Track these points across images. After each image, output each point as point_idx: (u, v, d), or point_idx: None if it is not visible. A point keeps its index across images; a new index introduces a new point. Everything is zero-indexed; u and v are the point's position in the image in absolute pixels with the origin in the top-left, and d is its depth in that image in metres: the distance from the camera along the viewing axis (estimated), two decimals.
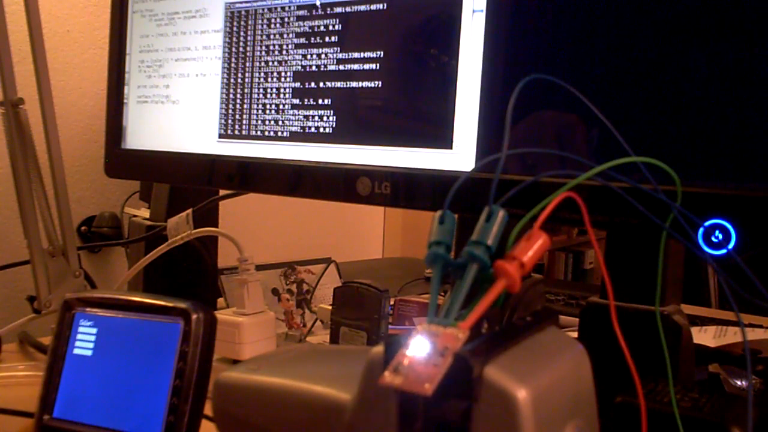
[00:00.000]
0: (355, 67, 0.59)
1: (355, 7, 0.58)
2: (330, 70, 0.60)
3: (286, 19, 0.63)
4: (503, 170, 0.31)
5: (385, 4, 0.57)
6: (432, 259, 0.31)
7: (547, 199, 0.30)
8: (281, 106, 0.63)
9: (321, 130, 0.61)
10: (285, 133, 0.63)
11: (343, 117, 0.60)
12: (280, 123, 0.63)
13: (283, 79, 0.63)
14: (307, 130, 0.62)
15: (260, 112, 0.64)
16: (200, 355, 0.47)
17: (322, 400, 0.34)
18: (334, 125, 0.60)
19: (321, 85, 0.61)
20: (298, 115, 0.62)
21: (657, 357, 0.39)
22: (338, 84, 0.60)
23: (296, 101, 0.62)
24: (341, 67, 0.59)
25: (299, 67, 0.62)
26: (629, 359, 0.32)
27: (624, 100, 0.46)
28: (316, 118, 0.61)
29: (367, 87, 0.58)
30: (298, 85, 0.62)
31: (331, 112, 0.60)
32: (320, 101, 0.61)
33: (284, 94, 0.63)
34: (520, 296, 0.33)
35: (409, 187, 0.56)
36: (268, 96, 0.64)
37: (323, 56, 0.60)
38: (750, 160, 0.42)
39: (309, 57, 0.61)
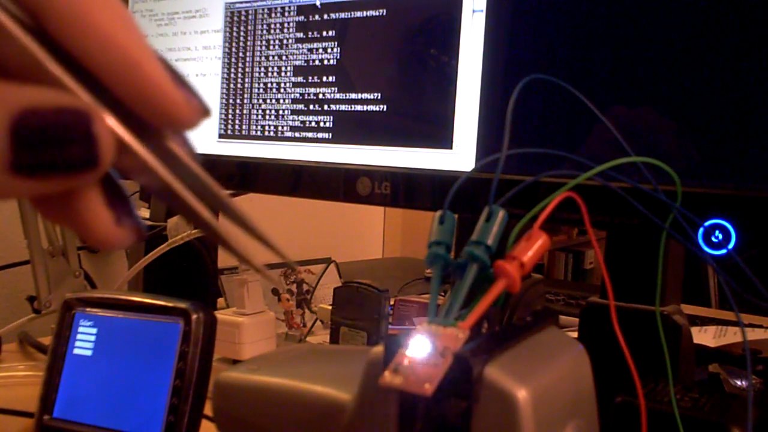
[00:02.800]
0: (356, 67, 0.59)
1: (355, 7, 0.58)
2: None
3: (286, 19, 0.63)
4: (503, 170, 0.31)
5: (385, 4, 0.57)
6: (432, 259, 0.31)
7: (547, 199, 0.30)
8: (281, 106, 0.63)
9: (321, 129, 0.61)
10: (285, 133, 0.63)
11: (343, 116, 0.60)
12: (280, 122, 0.63)
13: (283, 78, 0.63)
14: (307, 130, 0.62)
15: (260, 111, 0.64)
16: (200, 355, 0.47)
17: (322, 400, 0.34)
18: (333, 125, 0.60)
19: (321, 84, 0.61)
20: (298, 113, 0.62)
21: (657, 357, 0.39)
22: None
23: (297, 98, 0.62)
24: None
25: (299, 65, 0.62)
26: (629, 359, 0.32)
27: (624, 100, 0.46)
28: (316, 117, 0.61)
29: (368, 87, 0.58)
30: (298, 81, 0.62)
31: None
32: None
33: (284, 93, 0.63)
34: (520, 296, 0.33)
35: (409, 187, 0.56)
36: (268, 95, 0.64)
37: (324, 52, 0.60)
38: (750, 160, 0.42)
39: (309, 56, 0.61)
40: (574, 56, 0.48)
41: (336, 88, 0.60)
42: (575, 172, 0.32)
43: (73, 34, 0.15)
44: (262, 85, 0.64)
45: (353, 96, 0.59)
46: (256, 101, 0.65)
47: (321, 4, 0.60)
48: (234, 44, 0.66)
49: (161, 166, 0.16)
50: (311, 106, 0.61)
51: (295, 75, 0.62)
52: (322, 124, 0.61)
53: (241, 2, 0.65)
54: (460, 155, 0.54)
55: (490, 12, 0.52)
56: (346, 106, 0.59)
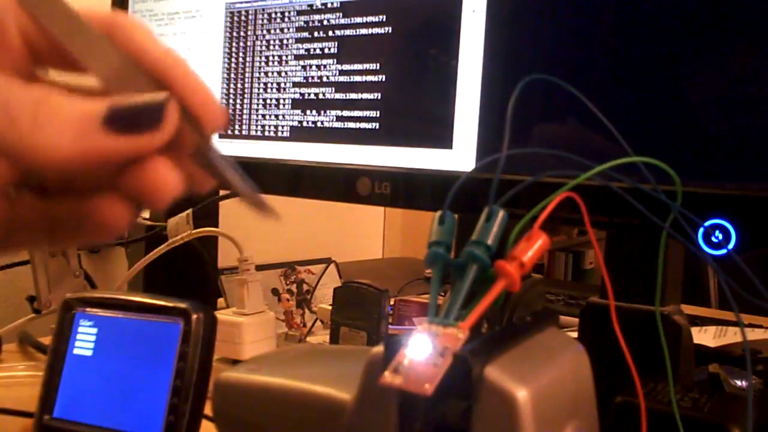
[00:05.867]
0: (355, 66, 0.59)
1: (355, 8, 0.58)
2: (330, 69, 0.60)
3: (286, 19, 0.63)
4: (503, 170, 0.31)
5: (386, 5, 0.57)
6: (432, 259, 0.31)
7: (547, 199, 0.30)
8: (281, 105, 0.63)
9: (321, 128, 0.61)
10: (285, 133, 0.63)
11: (343, 116, 0.60)
12: (280, 122, 0.63)
13: (283, 78, 0.63)
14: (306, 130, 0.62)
15: (260, 111, 0.64)
16: (200, 355, 0.47)
17: (322, 400, 0.34)
18: (333, 125, 0.60)
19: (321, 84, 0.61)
20: (298, 113, 0.62)
21: (657, 357, 0.39)
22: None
23: (297, 97, 0.62)
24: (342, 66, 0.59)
25: (299, 66, 0.62)
26: (629, 359, 0.32)
27: (624, 100, 0.46)
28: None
29: (368, 86, 0.58)
30: (299, 82, 0.62)
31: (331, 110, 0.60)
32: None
33: (285, 93, 0.63)
34: (520, 296, 0.33)
35: (409, 187, 0.56)
36: (268, 95, 0.64)
37: (324, 51, 0.60)
38: (750, 160, 0.42)
39: (309, 56, 0.61)
40: (574, 56, 0.48)
41: (336, 88, 0.60)
42: (575, 172, 0.32)
43: (180, 86, 0.26)
44: (262, 85, 0.64)
45: (353, 96, 0.59)
46: (256, 101, 0.65)
47: (321, 4, 0.60)
48: (234, 44, 0.66)
49: (204, 145, 0.25)
50: (311, 106, 0.61)
51: (295, 75, 0.62)
52: (322, 124, 0.61)
53: (241, 2, 0.65)
54: (460, 155, 0.54)
55: (490, 12, 0.52)
56: (346, 105, 0.59)
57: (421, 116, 0.56)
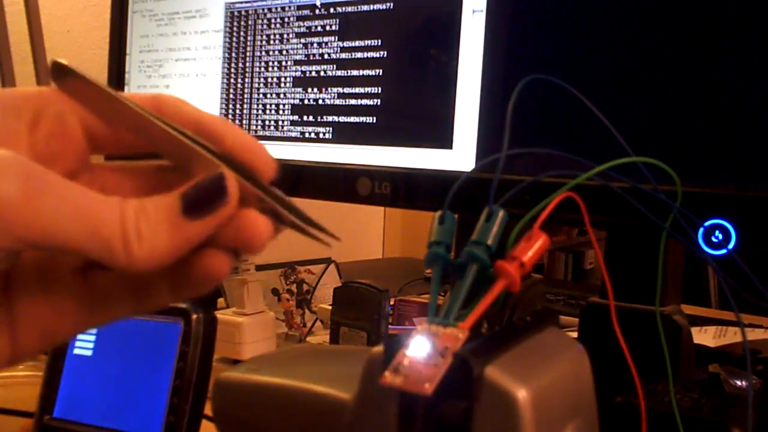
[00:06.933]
0: (356, 67, 0.59)
1: (355, 7, 0.58)
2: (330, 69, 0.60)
3: (286, 19, 0.63)
4: (503, 170, 0.31)
5: (386, 4, 0.57)
6: (432, 259, 0.31)
7: (547, 199, 0.30)
8: (281, 106, 0.63)
9: (321, 128, 0.61)
10: (285, 133, 0.63)
11: (343, 117, 0.60)
12: (280, 122, 0.63)
13: (283, 79, 0.63)
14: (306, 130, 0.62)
15: (260, 112, 0.64)
16: (200, 355, 0.47)
17: (322, 400, 0.34)
18: (333, 125, 0.60)
19: (321, 83, 0.61)
20: (297, 115, 0.62)
21: (657, 357, 0.39)
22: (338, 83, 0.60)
23: (296, 101, 0.62)
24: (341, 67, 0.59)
25: (299, 68, 0.62)
26: (629, 359, 0.32)
27: (624, 100, 0.46)
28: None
29: (368, 86, 0.58)
30: (298, 82, 0.62)
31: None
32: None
33: (284, 93, 0.63)
34: (520, 296, 0.33)
35: (409, 187, 0.56)
36: (268, 96, 0.64)
37: (324, 55, 0.60)
38: (750, 160, 0.42)
39: (309, 57, 0.61)
40: (574, 56, 0.48)
41: (336, 89, 0.60)
42: (575, 172, 0.32)
43: (231, 145, 0.27)
44: (262, 85, 0.64)
45: (353, 96, 0.59)
46: (255, 101, 0.65)
47: (321, 3, 0.60)
48: (234, 44, 0.66)
49: (265, 194, 0.27)
50: (311, 107, 0.61)
51: (294, 76, 0.62)
52: (322, 125, 0.61)
53: (241, 2, 0.65)
54: (460, 155, 0.54)
55: (490, 12, 0.52)
56: (347, 106, 0.59)
57: (421, 116, 0.56)
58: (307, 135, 0.62)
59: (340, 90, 0.60)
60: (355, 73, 0.59)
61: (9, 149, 0.24)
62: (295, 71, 0.62)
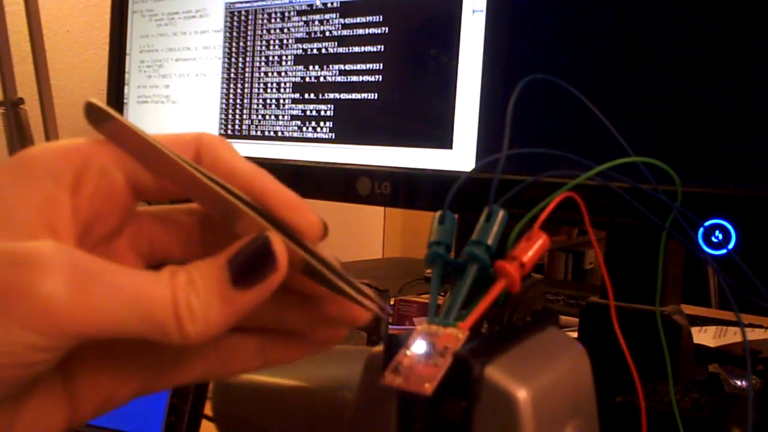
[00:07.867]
0: (356, 67, 0.59)
1: (355, 7, 0.58)
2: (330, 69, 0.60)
3: (286, 19, 0.63)
4: (503, 170, 0.31)
5: (386, 4, 0.57)
6: (432, 259, 0.31)
7: (547, 199, 0.30)
8: (281, 106, 0.63)
9: (321, 129, 0.61)
10: (285, 133, 0.63)
11: (343, 116, 0.60)
12: (280, 122, 0.63)
13: (283, 79, 0.63)
14: (307, 129, 0.62)
15: (260, 112, 0.64)
16: None
17: (322, 400, 0.34)
18: (333, 125, 0.60)
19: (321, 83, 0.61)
20: (298, 114, 0.62)
21: (657, 357, 0.39)
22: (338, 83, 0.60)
23: (298, 78, 0.62)
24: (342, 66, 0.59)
25: (299, 67, 0.62)
26: (629, 359, 0.32)
27: (624, 100, 0.46)
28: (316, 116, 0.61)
29: (368, 86, 0.58)
30: (299, 82, 0.62)
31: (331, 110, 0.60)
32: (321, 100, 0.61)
33: (284, 93, 0.63)
34: (520, 296, 0.33)
35: (409, 187, 0.56)
36: (269, 96, 0.64)
37: (323, 55, 0.60)
38: (750, 160, 0.42)
39: (309, 56, 0.61)
40: (574, 56, 0.48)
41: (336, 88, 0.60)
42: (575, 172, 0.32)
43: (274, 202, 0.26)
44: (262, 85, 0.64)
45: (353, 96, 0.59)
46: (256, 101, 0.65)
47: (321, 4, 0.60)
48: (234, 44, 0.66)
49: (312, 259, 0.25)
50: (311, 107, 0.61)
51: (295, 75, 0.62)
52: (322, 124, 0.61)
53: (241, 2, 0.65)
54: (460, 155, 0.54)
55: (490, 12, 0.52)
56: (347, 106, 0.59)
57: (421, 116, 0.56)
58: (307, 134, 0.62)
59: (341, 90, 0.60)
60: (355, 74, 0.59)
61: (50, 234, 0.23)
62: (295, 69, 0.62)
